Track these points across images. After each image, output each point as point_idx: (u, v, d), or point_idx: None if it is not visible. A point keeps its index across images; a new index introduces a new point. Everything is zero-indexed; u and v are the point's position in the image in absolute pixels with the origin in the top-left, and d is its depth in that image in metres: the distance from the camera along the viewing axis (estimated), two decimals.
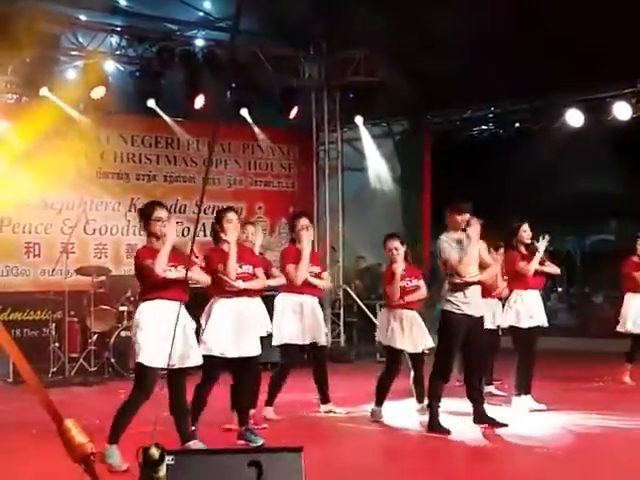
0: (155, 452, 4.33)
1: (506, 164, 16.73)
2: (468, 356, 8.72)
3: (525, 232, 9.70)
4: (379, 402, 9.21)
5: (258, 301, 8.88)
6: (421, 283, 9.34)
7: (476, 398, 8.69)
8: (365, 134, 16.96)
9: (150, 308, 7.13)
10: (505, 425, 8.54)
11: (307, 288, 9.32)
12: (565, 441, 8.24)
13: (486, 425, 8.56)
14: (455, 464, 7.71)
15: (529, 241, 9.66)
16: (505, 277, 10.17)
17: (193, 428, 7.48)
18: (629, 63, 12.88)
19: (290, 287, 9.25)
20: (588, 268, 21.93)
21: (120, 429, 7.01)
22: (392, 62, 15.05)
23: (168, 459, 4.45)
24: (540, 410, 9.44)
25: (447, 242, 8.45)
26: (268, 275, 8.94)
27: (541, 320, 9.76)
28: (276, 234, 16.52)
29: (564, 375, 12.21)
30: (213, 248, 8.08)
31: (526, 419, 8.95)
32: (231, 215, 8.10)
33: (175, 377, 7.10)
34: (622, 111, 14.49)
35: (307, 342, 9.35)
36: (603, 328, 11.50)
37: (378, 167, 17.29)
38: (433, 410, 8.43)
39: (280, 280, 9.16)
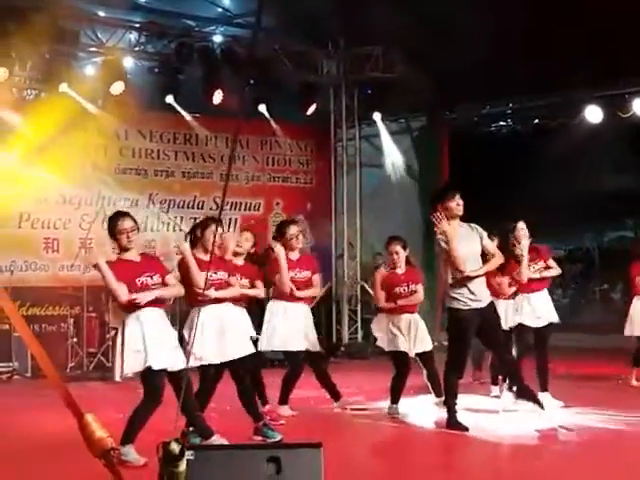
0: (175, 447, 4.34)
1: (524, 160, 16.68)
2: (492, 345, 8.68)
3: (522, 230, 9.60)
4: (394, 400, 9.22)
5: (241, 311, 8.71)
6: (419, 288, 9.31)
7: (515, 381, 8.62)
8: (383, 130, 16.94)
9: (136, 318, 7.09)
10: (542, 407, 8.49)
11: (296, 297, 9.30)
12: (581, 439, 8.20)
13: (528, 402, 8.52)
14: (472, 461, 7.69)
15: (524, 239, 9.54)
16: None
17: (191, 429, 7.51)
18: None
19: (280, 295, 9.25)
20: (606, 265, 21.82)
21: (134, 432, 7.02)
22: (410, 58, 15.03)
23: (188, 454, 4.46)
24: (558, 407, 9.43)
25: (442, 240, 8.38)
26: (252, 285, 8.96)
27: (551, 318, 9.75)
28: None
29: (582, 372, 12.17)
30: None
31: (547, 416, 8.91)
32: (214, 227, 7.88)
33: (175, 379, 7.11)
34: None
35: (303, 349, 9.35)
36: (622, 325, 11.42)
37: (396, 163, 17.27)
38: (450, 407, 8.41)
39: (258, 292, 9.04)
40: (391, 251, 9.26)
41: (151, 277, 7.15)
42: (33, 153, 13.03)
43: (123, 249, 7.21)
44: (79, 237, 13.64)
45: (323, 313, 16.17)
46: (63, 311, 13.47)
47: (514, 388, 8.71)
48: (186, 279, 7.74)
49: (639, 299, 11.25)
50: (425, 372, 9.37)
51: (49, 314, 13.52)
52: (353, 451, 7.68)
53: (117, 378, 7.34)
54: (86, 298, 13.05)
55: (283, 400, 9.33)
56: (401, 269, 9.25)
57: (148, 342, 7.02)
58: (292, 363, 9.44)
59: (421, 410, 9.38)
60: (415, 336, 9.20)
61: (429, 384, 9.39)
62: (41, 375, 4.65)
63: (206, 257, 7.78)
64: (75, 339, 13.04)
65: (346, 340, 16.31)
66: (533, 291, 9.71)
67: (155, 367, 7.00)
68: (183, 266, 7.85)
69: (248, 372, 8.18)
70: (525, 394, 8.58)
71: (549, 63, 13.41)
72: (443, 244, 8.27)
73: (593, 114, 15.03)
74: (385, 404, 9.36)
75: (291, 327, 9.24)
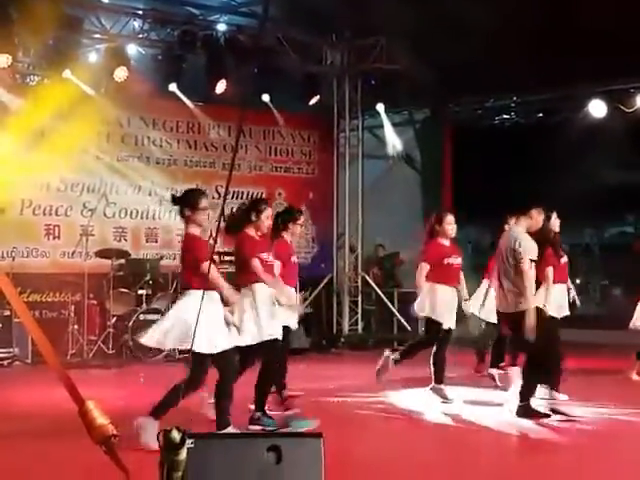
0: (176, 435, 4.33)
1: (527, 154, 16.68)
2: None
3: (556, 219, 9.76)
4: (439, 380, 9.29)
5: None
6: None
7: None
8: (386, 121, 16.91)
9: (196, 297, 7.11)
10: (548, 415, 8.48)
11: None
12: (581, 434, 8.21)
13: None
14: (473, 453, 7.69)
15: (558, 229, 9.72)
16: None
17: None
18: None
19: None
20: (607, 260, 21.86)
21: (166, 410, 7.06)
22: (414, 50, 14.98)
23: (188, 442, 4.46)
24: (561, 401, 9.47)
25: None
26: None
27: (566, 311, 9.93)
28: None
29: (584, 367, 12.17)
30: (244, 234, 8.00)
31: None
32: (264, 205, 8.21)
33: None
34: None
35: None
36: (623, 320, 11.42)
37: (398, 155, 17.25)
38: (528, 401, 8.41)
39: None
40: (449, 221, 9.42)
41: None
42: (35, 140, 13.01)
43: (199, 225, 7.31)
44: (80, 224, 13.63)
45: (324, 304, 16.18)
46: (64, 298, 13.46)
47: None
48: (240, 258, 7.90)
49: None
50: (435, 350, 9.38)
51: (50, 301, 13.51)
52: (352, 442, 7.66)
53: (204, 349, 7.14)
54: (87, 285, 13.05)
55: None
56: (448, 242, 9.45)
57: (206, 325, 7.06)
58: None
59: (423, 401, 9.40)
60: (453, 310, 9.41)
61: (432, 367, 9.38)
62: (41, 361, 4.63)
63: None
64: (76, 326, 13.03)
65: (346, 331, 16.30)
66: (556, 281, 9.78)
67: (206, 352, 7.06)
68: (241, 244, 7.94)
69: (279, 357, 8.15)
70: (527, 414, 8.54)
71: (553, 57, 13.38)
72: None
73: (597, 109, 14.99)
74: (386, 394, 9.35)
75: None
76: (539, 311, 8.39)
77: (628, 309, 11.44)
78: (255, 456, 4.78)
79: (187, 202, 7.33)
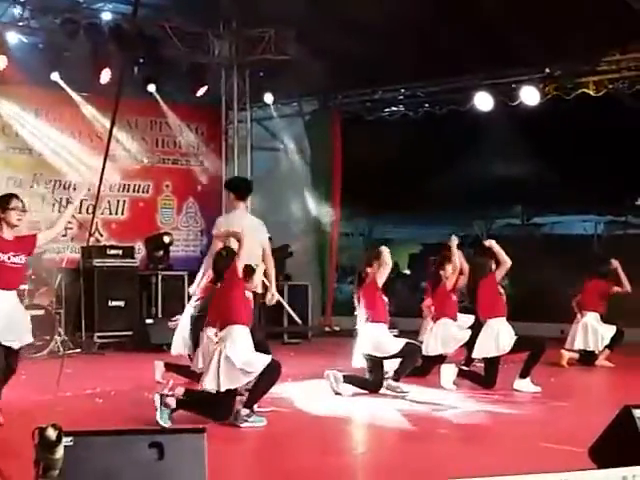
0: (52, 433, 4.16)
1: (415, 147, 16.79)
2: None
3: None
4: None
5: None
6: None
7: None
8: (275, 113, 16.83)
9: None
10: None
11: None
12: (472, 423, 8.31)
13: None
14: (370, 446, 7.71)
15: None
16: None
17: None
18: (538, 48, 13.01)
19: None
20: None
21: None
22: (303, 41, 14.94)
23: (66, 440, 4.29)
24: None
25: None
26: None
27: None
28: (183, 213, 16.34)
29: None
30: None
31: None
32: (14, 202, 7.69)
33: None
34: (530, 96, 14.60)
35: None
36: (509, 311, 11.50)
37: (288, 147, 17.19)
38: None
39: None
40: None
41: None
42: None
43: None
44: None
45: None
46: None
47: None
48: None
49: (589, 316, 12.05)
50: None
51: None
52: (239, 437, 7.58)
53: None
54: None
55: None
56: None
57: None
58: None
59: (312, 396, 9.39)
60: None
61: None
62: None
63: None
64: None
65: None
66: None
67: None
68: None
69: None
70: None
71: (441, 49, 13.48)
72: None
73: (483, 101, 15.15)
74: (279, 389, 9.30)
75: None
76: None
77: (515, 299, 11.62)
78: (137, 453, 4.67)
79: None
